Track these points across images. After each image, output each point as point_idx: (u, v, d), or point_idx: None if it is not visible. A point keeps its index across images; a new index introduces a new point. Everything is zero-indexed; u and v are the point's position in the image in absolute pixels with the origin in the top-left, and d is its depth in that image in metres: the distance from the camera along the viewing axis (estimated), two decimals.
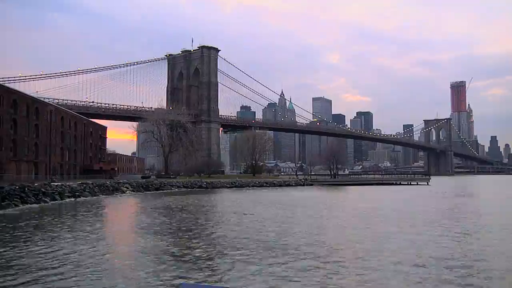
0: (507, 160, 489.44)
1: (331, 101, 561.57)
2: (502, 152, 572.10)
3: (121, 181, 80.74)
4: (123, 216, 40.62)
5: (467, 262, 17.57)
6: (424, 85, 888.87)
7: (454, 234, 25.55)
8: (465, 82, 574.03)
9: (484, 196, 74.32)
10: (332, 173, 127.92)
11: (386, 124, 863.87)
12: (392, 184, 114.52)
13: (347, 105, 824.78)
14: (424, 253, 19.25)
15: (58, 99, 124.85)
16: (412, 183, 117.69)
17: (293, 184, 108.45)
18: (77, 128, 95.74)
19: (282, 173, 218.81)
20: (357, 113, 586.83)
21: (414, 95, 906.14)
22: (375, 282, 14.50)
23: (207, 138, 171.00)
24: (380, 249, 20.25)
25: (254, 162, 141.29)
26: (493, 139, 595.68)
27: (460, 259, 18.17)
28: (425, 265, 16.82)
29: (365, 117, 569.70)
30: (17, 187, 47.73)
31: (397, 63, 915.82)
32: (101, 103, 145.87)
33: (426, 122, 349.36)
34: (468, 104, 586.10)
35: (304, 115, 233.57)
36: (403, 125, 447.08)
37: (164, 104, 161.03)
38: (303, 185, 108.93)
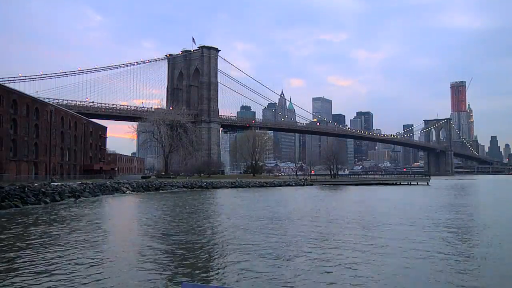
0: (507, 160, 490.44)
1: (331, 101, 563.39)
2: (502, 152, 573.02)
3: (121, 181, 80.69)
4: (123, 216, 40.57)
5: None
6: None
7: None
8: (465, 82, 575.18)
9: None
10: (332, 173, 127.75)
11: (386, 124, 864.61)
12: (392, 184, 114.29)
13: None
14: None
15: (58, 99, 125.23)
16: (412, 183, 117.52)
17: (293, 184, 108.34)
18: (77, 128, 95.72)
19: (282, 173, 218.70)
20: (357, 113, 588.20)
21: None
22: None
23: (207, 138, 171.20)
24: None
25: (254, 162, 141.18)
26: (493, 139, 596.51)
27: None
28: None
29: (365, 117, 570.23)
30: (17, 187, 47.66)
31: None
32: (101, 103, 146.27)
33: (426, 122, 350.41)
34: (468, 104, 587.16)
35: (304, 115, 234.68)
36: (403, 125, 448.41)
37: (164, 104, 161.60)
38: (303, 185, 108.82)
